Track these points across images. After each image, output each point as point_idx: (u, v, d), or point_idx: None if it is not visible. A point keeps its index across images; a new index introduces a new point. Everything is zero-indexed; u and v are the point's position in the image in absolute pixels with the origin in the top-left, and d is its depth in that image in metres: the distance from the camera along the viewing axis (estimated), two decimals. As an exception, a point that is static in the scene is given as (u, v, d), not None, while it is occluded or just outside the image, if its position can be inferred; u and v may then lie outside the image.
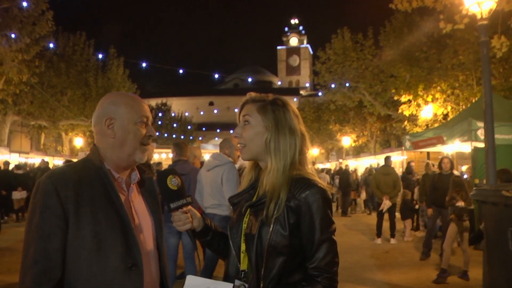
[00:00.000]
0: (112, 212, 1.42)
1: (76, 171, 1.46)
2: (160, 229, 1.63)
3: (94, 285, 1.36)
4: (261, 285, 1.42)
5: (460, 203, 6.11)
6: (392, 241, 9.01)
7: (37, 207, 1.36)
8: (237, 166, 4.83)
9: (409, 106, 16.45)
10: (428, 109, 15.45)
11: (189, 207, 1.54)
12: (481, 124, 7.45)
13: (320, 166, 28.36)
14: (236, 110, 1.66)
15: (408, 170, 11.64)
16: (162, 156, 21.12)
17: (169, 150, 22.33)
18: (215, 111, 64.40)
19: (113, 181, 1.49)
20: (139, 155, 1.54)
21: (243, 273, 1.50)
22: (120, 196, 1.48)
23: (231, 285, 1.43)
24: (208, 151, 23.24)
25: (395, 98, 17.25)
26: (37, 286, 1.30)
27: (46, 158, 18.60)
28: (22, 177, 13.13)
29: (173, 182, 1.50)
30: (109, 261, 1.38)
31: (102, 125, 1.52)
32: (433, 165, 9.42)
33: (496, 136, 5.85)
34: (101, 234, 1.38)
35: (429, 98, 15.20)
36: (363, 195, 15.78)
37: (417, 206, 9.94)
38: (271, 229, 1.42)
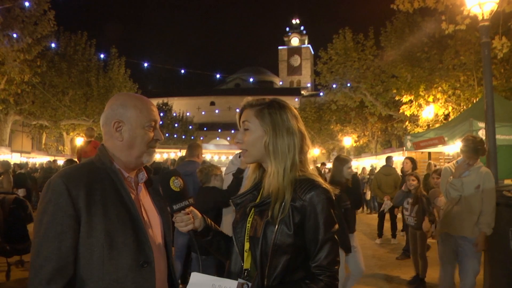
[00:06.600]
0: (124, 210, 1.44)
1: (86, 170, 1.47)
2: (168, 227, 1.65)
3: (107, 283, 1.38)
4: (265, 282, 1.44)
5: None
6: (393, 241, 9.03)
7: (49, 206, 1.36)
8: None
9: (410, 107, 16.44)
10: (429, 110, 15.43)
11: (191, 208, 1.55)
12: (482, 124, 7.44)
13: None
14: (237, 110, 1.67)
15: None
16: (164, 156, 21.12)
17: (170, 150, 22.34)
18: (216, 111, 64.31)
19: (124, 180, 1.51)
20: (147, 158, 1.57)
21: (246, 271, 1.52)
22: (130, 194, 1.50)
23: (235, 282, 1.44)
24: (209, 151, 23.17)
25: (396, 98, 17.25)
26: (50, 284, 1.31)
27: (47, 158, 18.66)
28: (23, 176, 13.25)
29: (175, 184, 1.51)
30: (121, 258, 1.39)
31: (110, 127, 1.53)
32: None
33: (497, 136, 5.85)
34: (113, 232, 1.39)
35: (430, 99, 15.20)
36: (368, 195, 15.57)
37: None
38: (276, 228, 1.45)
